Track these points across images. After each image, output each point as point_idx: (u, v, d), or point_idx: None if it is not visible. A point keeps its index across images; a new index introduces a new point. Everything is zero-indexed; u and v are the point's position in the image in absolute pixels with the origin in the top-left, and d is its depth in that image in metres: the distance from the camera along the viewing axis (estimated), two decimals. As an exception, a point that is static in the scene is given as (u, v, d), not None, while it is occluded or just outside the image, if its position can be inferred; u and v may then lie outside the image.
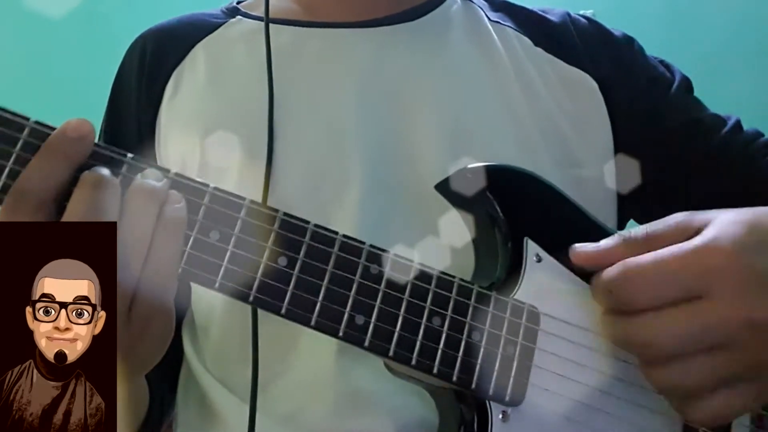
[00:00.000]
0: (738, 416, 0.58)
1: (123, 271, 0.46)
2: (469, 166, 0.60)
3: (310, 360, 0.66)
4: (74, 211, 0.45)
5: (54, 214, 0.46)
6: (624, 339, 0.53)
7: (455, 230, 0.64)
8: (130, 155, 0.49)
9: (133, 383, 0.61)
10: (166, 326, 0.50)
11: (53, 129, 0.47)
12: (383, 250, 0.53)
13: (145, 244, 0.47)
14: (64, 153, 0.46)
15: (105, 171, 0.47)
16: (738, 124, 0.80)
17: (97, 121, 0.79)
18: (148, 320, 0.48)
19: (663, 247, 0.52)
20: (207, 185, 0.50)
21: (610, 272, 0.53)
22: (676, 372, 0.51)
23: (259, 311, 0.63)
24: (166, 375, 0.75)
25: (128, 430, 0.66)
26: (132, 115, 0.77)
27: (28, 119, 0.47)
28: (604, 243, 0.55)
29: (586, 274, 0.58)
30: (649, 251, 0.52)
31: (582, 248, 0.56)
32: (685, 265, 0.50)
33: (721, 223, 0.52)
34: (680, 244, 0.51)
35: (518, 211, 0.59)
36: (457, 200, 0.61)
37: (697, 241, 0.51)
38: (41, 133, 0.47)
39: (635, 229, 0.55)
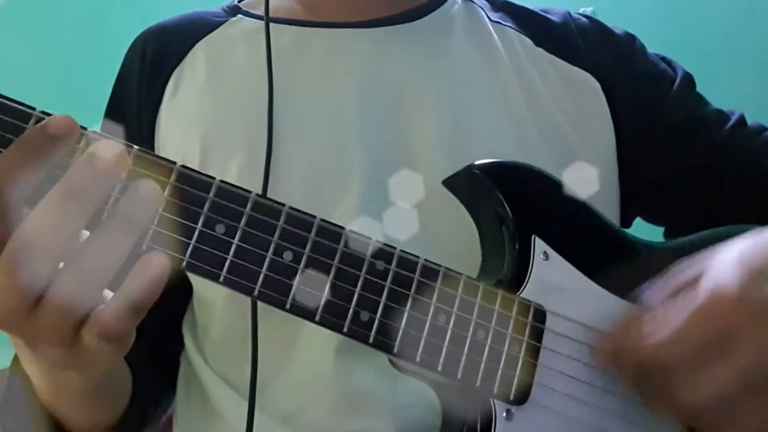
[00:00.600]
0: None
1: (81, 288, 0.44)
2: (477, 162, 0.59)
3: (309, 359, 0.66)
4: (33, 216, 0.43)
5: (18, 208, 0.43)
6: (673, 408, 0.53)
7: (455, 229, 0.64)
8: (136, 148, 0.48)
9: (107, 368, 0.59)
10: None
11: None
12: (390, 246, 0.53)
13: (111, 269, 0.45)
14: (37, 151, 0.43)
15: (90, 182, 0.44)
16: (741, 119, 0.80)
17: (97, 120, 0.78)
18: None
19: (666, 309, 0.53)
20: (213, 178, 0.49)
21: (632, 359, 0.53)
22: (725, 423, 0.52)
23: (259, 309, 0.63)
24: (159, 369, 0.74)
25: (106, 414, 0.65)
26: (132, 115, 0.76)
27: (34, 109, 0.46)
28: (618, 333, 0.55)
29: (593, 272, 0.58)
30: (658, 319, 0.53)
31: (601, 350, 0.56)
32: (698, 321, 0.50)
33: (716, 267, 0.52)
34: (687, 305, 0.51)
35: (526, 209, 0.58)
36: (465, 196, 0.61)
37: (700, 294, 0.51)
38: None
39: (640, 306, 0.56)
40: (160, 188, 0.46)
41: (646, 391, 0.54)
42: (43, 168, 0.44)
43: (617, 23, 0.85)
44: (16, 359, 0.62)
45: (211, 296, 0.71)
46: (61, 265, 0.44)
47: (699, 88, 0.83)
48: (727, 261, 0.52)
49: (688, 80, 0.82)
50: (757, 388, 0.50)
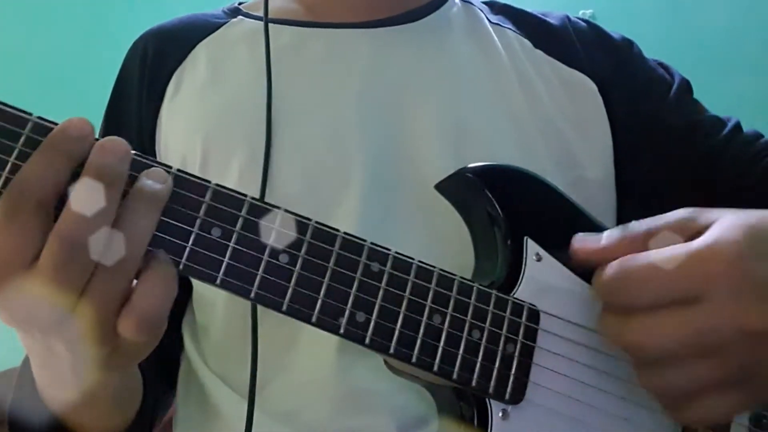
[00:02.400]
0: (730, 418, 0.58)
1: (118, 274, 0.45)
2: (469, 165, 0.60)
3: (310, 359, 0.66)
4: (75, 203, 0.44)
5: (52, 212, 0.45)
6: (618, 338, 0.53)
7: (456, 229, 0.64)
8: (132, 151, 0.48)
9: (125, 373, 0.60)
10: (154, 333, 0.50)
11: (55, 125, 0.47)
12: (384, 248, 0.53)
13: (142, 249, 0.46)
14: (64, 151, 0.45)
15: (110, 164, 0.46)
16: (737, 126, 0.80)
17: (97, 121, 0.79)
18: None
19: (663, 245, 0.52)
20: (209, 182, 0.50)
21: (608, 271, 0.53)
22: (667, 375, 0.51)
23: (259, 311, 0.63)
24: (162, 370, 0.75)
25: (121, 420, 0.65)
26: (133, 116, 0.77)
27: (30, 114, 0.47)
28: (605, 238, 0.55)
29: (585, 272, 0.58)
30: (649, 249, 0.52)
31: (582, 244, 0.56)
32: (683, 268, 0.50)
33: (724, 226, 0.51)
34: (679, 247, 0.51)
35: (518, 210, 0.59)
36: (457, 200, 0.61)
37: (696, 244, 0.50)
38: (44, 128, 0.47)
39: (636, 224, 0.55)
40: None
41: (606, 312, 0.54)
42: (69, 167, 0.45)
43: (617, 26, 0.86)
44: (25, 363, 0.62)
45: (211, 296, 0.72)
46: None
47: (698, 90, 0.84)
48: (741, 222, 0.51)
49: (685, 86, 0.83)
50: (704, 354, 0.50)
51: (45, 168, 0.45)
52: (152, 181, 0.47)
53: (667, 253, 0.51)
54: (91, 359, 0.49)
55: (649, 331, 0.50)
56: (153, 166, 0.48)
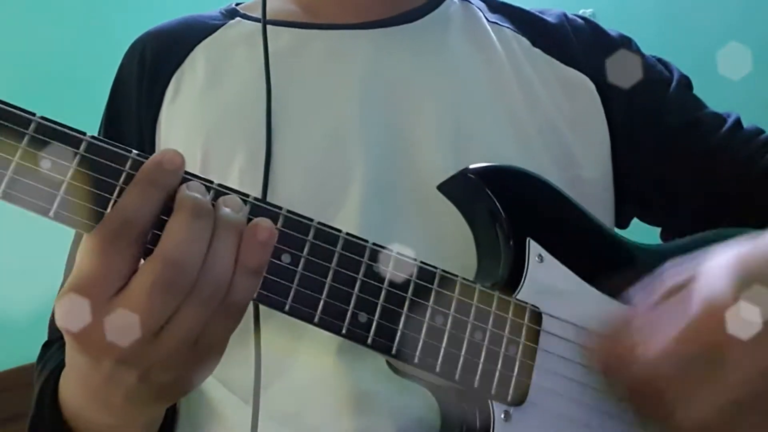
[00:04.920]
0: None
1: (206, 300, 0.46)
2: (471, 166, 0.60)
3: (310, 361, 0.66)
4: (172, 237, 0.45)
5: (147, 243, 0.46)
6: (669, 427, 0.53)
7: (457, 230, 0.64)
8: (216, 183, 0.49)
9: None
10: (218, 359, 0.50)
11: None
12: (386, 249, 0.53)
13: (229, 275, 0.46)
14: (160, 184, 0.46)
15: (201, 197, 0.46)
16: (737, 122, 0.80)
17: (95, 121, 0.79)
18: (206, 352, 0.49)
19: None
20: (212, 182, 0.49)
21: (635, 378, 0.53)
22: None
23: (261, 314, 0.63)
24: None
25: None
26: (132, 118, 0.77)
27: (33, 114, 0.47)
28: (609, 339, 0.56)
29: (587, 273, 0.58)
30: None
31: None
32: (694, 335, 0.50)
33: (708, 275, 0.52)
34: (679, 315, 0.51)
35: (520, 212, 0.59)
36: (460, 200, 0.61)
37: (693, 307, 0.51)
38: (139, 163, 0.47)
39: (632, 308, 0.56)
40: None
41: (639, 405, 0.54)
42: (164, 198, 0.46)
43: (617, 25, 0.86)
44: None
45: None
46: None
47: (698, 89, 0.83)
48: (720, 267, 0.52)
49: (685, 82, 0.82)
50: (751, 403, 0.50)
51: (143, 199, 0.46)
52: (230, 210, 0.48)
53: (668, 328, 0.51)
54: (157, 389, 0.49)
55: (694, 407, 0.51)
56: (229, 194, 0.49)
